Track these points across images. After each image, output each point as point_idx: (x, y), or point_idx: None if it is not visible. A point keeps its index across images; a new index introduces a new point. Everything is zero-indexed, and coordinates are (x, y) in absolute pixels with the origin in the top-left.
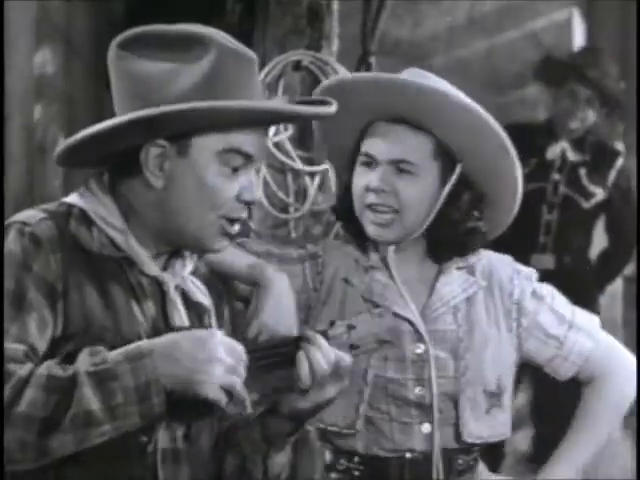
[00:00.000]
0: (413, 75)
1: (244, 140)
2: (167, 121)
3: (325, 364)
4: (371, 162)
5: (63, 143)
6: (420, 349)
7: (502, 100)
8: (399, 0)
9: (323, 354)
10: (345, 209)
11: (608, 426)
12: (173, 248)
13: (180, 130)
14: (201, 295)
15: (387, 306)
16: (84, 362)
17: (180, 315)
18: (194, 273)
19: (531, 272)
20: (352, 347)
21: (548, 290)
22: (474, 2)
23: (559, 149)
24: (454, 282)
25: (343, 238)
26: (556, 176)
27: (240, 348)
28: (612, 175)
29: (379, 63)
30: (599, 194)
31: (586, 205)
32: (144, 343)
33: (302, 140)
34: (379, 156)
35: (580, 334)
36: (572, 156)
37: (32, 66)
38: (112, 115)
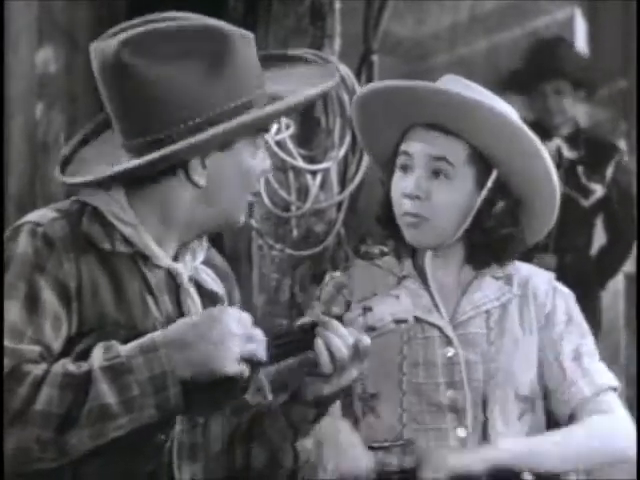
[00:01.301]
0: (450, 82)
1: (268, 120)
2: (223, 136)
3: (344, 348)
4: (407, 165)
5: (103, 172)
6: (450, 352)
7: (504, 99)
8: None
9: (341, 339)
10: (386, 216)
11: (577, 453)
12: (201, 235)
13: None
14: (214, 284)
15: (417, 315)
16: (98, 358)
17: (195, 306)
18: (206, 263)
19: (569, 294)
20: (369, 329)
21: (583, 327)
22: (476, 1)
23: (554, 146)
24: (487, 289)
25: (372, 254)
26: None
27: (249, 317)
28: (610, 171)
29: (381, 61)
30: (598, 191)
31: (585, 203)
32: (157, 334)
33: (303, 138)
34: (418, 154)
35: (584, 380)
36: (568, 153)
37: (34, 65)
38: None
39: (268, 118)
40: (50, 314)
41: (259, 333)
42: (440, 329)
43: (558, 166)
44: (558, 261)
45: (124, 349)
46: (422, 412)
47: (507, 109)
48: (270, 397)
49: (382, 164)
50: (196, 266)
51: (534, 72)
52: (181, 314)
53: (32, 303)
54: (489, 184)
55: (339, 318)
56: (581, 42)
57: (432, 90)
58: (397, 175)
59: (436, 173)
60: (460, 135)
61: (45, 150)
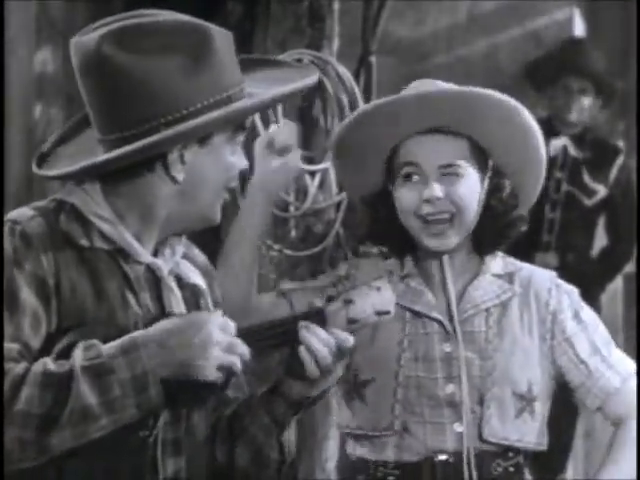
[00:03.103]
0: (430, 85)
1: (244, 114)
2: (202, 128)
3: (328, 354)
4: (414, 174)
5: (83, 164)
6: (449, 348)
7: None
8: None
9: (324, 343)
10: (385, 229)
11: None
12: (179, 233)
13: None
14: (195, 276)
15: (418, 310)
16: (79, 357)
17: (177, 300)
18: (185, 257)
19: (573, 290)
20: (351, 321)
21: (592, 318)
22: (475, 1)
23: (561, 144)
24: (488, 287)
25: (371, 255)
26: (558, 174)
27: (233, 325)
28: (613, 173)
29: (380, 62)
30: (601, 191)
31: (588, 203)
32: (138, 334)
33: (302, 139)
34: (425, 162)
35: (610, 371)
36: (574, 152)
37: (32, 65)
38: None
39: (245, 112)
40: (29, 312)
41: (239, 343)
42: (440, 324)
43: (563, 165)
44: (559, 260)
45: (105, 348)
46: (421, 405)
47: (501, 95)
48: (247, 393)
49: (367, 187)
50: (176, 260)
51: (563, 66)
52: (162, 309)
53: (11, 301)
54: (489, 172)
55: (320, 312)
56: None
57: (430, 96)
58: (404, 186)
59: (447, 175)
60: (461, 132)
61: None
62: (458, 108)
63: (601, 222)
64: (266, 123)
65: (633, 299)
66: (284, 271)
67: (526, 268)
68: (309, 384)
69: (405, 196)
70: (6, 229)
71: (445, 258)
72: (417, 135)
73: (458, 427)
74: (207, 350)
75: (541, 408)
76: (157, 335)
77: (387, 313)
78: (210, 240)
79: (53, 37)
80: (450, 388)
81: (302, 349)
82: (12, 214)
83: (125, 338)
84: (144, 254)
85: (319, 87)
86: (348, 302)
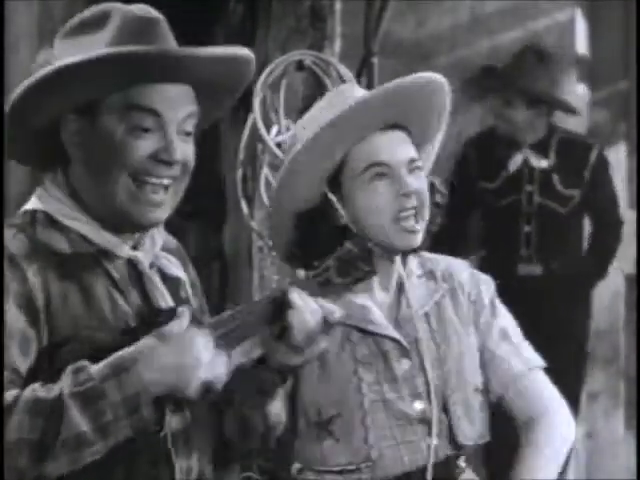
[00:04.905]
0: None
1: (145, 95)
2: (69, 81)
3: (314, 322)
4: (384, 173)
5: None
6: (407, 364)
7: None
8: (402, 0)
9: (311, 313)
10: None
11: (551, 470)
12: (118, 227)
13: (84, 95)
14: (175, 268)
15: (371, 330)
16: (67, 383)
17: (162, 294)
18: (165, 248)
19: (489, 279)
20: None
21: (504, 308)
22: (476, 2)
23: (520, 159)
24: (417, 290)
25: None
26: (529, 187)
27: (211, 340)
28: (588, 172)
29: (382, 63)
30: (576, 197)
31: (563, 210)
32: (126, 352)
33: None
34: (393, 159)
35: (517, 359)
36: (537, 162)
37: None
38: None
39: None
40: (17, 335)
41: (221, 361)
42: (395, 341)
43: (531, 178)
44: (543, 268)
45: (94, 370)
46: (391, 427)
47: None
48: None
49: (310, 197)
50: (156, 253)
51: (484, 89)
52: (150, 305)
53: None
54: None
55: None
56: (582, 43)
57: (403, 88)
58: (372, 189)
59: (412, 170)
60: (404, 125)
61: None
62: (412, 101)
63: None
64: (268, 126)
65: (635, 301)
66: (286, 273)
67: (442, 261)
68: (293, 351)
69: (378, 196)
70: None
71: (397, 261)
72: (374, 135)
73: (431, 441)
74: (194, 370)
75: (487, 397)
76: (146, 354)
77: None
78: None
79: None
80: (418, 404)
81: (290, 312)
82: None
83: (114, 357)
84: (123, 248)
85: (321, 88)
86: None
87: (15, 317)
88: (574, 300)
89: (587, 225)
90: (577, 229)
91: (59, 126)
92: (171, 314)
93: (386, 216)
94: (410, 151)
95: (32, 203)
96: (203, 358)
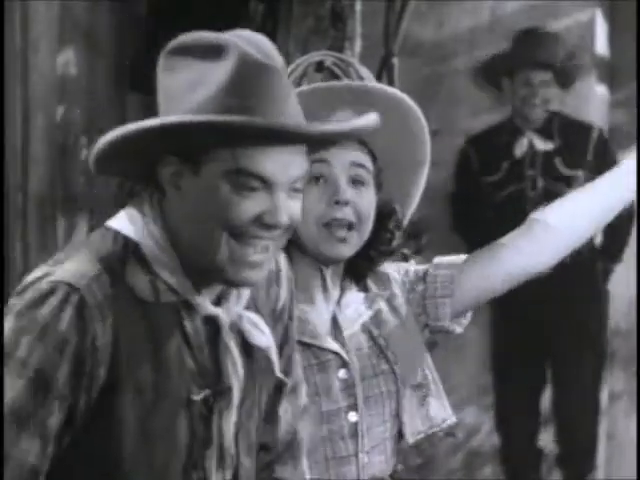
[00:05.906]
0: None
1: (255, 160)
2: (174, 134)
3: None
4: (323, 174)
5: (92, 152)
6: (345, 374)
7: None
8: (422, 0)
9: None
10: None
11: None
12: (205, 281)
13: (189, 145)
14: (259, 335)
15: (316, 344)
16: None
17: (233, 362)
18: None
19: (410, 264)
20: None
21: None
22: (497, 2)
23: (526, 142)
24: (356, 301)
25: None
26: (530, 172)
27: None
28: (590, 153)
29: (402, 64)
30: (580, 177)
31: (569, 191)
32: None
33: None
34: (336, 160)
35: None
36: (541, 145)
37: (55, 67)
38: (135, 117)
39: (233, 128)
40: (58, 396)
41: None
42: (333, 352)
43: (533, 161)
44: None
45: None
46: (332, 441)
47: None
48: None
49: None
50: (240, 313)
51: (521, 60)
52: (218, 371)
53: (41, 386)
54: (379, 181)
55: None
56: (602, 43)
57: (358, 89)
58: (309, 185)
59: (355, 181)
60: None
61: (65, 152)
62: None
63: None
64: None
65: None
66: None
67: (388, 268)
68: None
69: (312, 197)
70: (59, 294)
71: (328, 272)
72: None
73: (363, 457)
74: None
75: (437, 383)
76: None
77: None
78: None
79: (76, 39)
80: (353, 416)
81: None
82: (69, 272)
83: None
84: (206, 304)
85: None
86: None
87: (62, 378)
88: (587, 296)
89: None
90: None
91: (158, 162)
92: (221, 390)
93: (314, 224)
94: (356, 156)
95: (123, 225)
96: None
